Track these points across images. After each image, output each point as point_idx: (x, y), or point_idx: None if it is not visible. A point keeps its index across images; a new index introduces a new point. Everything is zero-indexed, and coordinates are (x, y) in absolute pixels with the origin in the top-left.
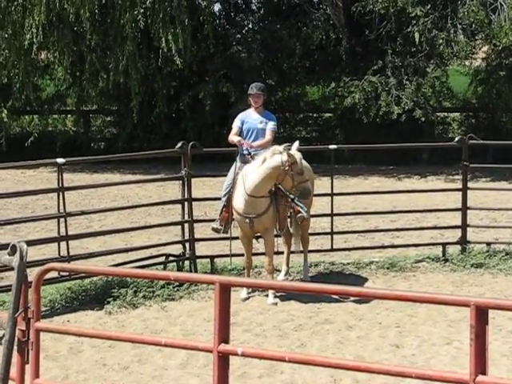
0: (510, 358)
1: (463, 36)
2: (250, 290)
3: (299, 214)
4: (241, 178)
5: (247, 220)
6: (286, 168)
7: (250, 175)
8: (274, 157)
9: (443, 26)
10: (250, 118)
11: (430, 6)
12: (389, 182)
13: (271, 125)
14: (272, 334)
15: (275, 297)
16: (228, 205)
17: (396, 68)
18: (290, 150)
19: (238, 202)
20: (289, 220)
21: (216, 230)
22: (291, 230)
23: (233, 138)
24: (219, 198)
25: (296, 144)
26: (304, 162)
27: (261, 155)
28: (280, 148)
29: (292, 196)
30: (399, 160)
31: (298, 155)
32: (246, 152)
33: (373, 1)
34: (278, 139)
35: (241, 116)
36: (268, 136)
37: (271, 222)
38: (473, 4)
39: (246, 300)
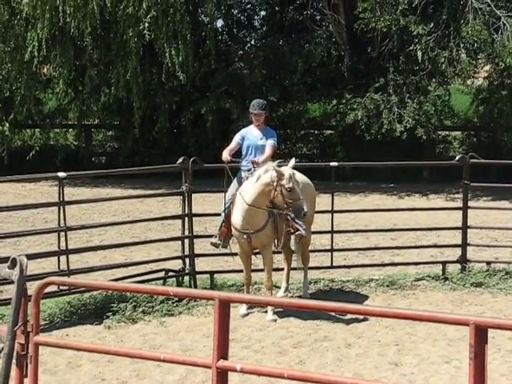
0: (508, 377)
1: (466, 55)
2: (249, 306)
3: (297, 232)
4: (239, 194)
5: (245, 236)
6: (275, 184)
7: (247, 192)
8: (266, 173)
9: (446, 45)
10: (251, 134)
11: (432, 24)
12: (389, 199)
13: (271, 140)
14: (271, 351)
15: (274, 313)
16: (227, 220)
17: (398, 86)
18: (281, 166)
19: (236, 218)
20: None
21: (215, 245)
22: (292, 247)
23: (224, 153)
24: (219, 214)
25: (292, 161)
26: (305, 179)
27: (257, 172)
28: (273, 164)
29: (287, 214)
30: (400, 178)
31: (287, 172)
32: (246, 168)
33: (375, 19)
34: (278, 156)
35: (242, 132)
36: (268, 151)
37: (269, 239)
38: (476, 23)
39: (245, 316)
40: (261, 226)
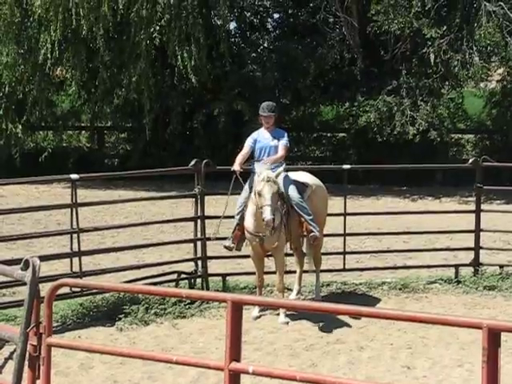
0: None
1: (479, 58)
2: (261, 308)
3: (311, 234)
4: (251, 197)
5: (257, 239)
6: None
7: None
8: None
9: (459, 48)
10: (262, 137)
11: (445, 27)
12: (402, 202)
13: (284, 140)
14: (283, 353)
15: (286, 316)
16: (241, 223)
17: (411, 89)
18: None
19: (248, 221)
20: (302, 239)
21: (228, 248)
22: (304, 249)
23: (235, 163)
24: (232, 216)
25: (280, 169)
26: (317, 181)
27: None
28: (265, 166)
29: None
30: (413, 181)
31: (262, 175)
32: (258, 171)
33: (388, 21)
34: (291, 158)
35: (253, 135)
36: (281, 151)
37: (281, 241)
38: (489, 26)
39: (257, 318)
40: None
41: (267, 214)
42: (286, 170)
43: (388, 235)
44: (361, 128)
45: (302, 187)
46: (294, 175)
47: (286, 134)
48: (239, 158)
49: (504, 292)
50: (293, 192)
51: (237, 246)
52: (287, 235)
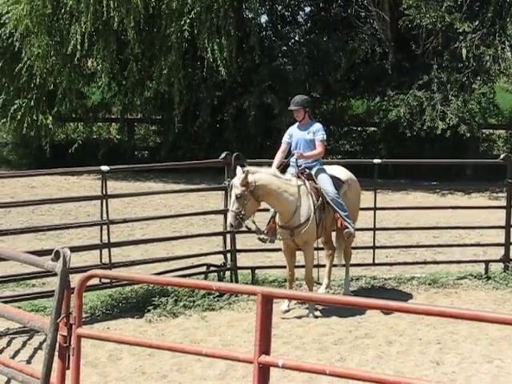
0: None
1: (511, 53)
2: (290, 302)
3: (346, 230)
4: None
5: (287, 232)
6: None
7: None
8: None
9: (491, 43)
10: (297, 131)
11: (478, 22)
12: (432, 197)
13: (320, 136)
14: (312, 347)
15: (315, 310)
16: (275, 216)
17: (442, 83)
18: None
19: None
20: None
21: (262, 241)
22: (335, 244)
23: (274, 163)
24: (267, 209)
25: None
26: (350, 175)
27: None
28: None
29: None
30: (443, 176)
31: (237, 177)
32: (294, 163)
33: (420, 16)
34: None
35: (289, 130)
36: (318, 148)
37: (310, 235)
38: None
39: (286, 312)
40: (301, 222)
41: (229, 219)
42: (322, 164)
43: (418, 230)
44: (391, 122)
45: (338, 183)
46: (328, 169)
47: (321, 128)
48: (277, 159)
49: None
50: (329, 187)
51: (270, 239)
52: (322, 230)
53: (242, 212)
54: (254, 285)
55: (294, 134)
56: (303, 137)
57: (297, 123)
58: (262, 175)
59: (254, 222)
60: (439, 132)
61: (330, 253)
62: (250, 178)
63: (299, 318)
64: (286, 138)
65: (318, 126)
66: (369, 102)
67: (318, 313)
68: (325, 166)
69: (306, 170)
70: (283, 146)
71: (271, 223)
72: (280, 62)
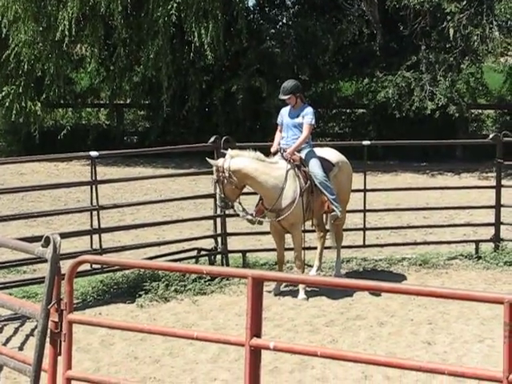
0: None
1: (498, 33)
2: (281, 284)
3: (333, 213)
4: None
5: (273, 214)
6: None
7: None
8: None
9: (478, 23)
10: (288, 113)
11: (465, 2)
12: (421, 178)
13: (308, 119)
14: (303, 329)
15: (306, 292)
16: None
17: (430, 64)
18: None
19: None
20: (324, 216)
21: (251, 222)
22: (327, 226)
23: (274, 143)
24: (251, 193)
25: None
26: (342, 158)
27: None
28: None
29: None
30: (432, 156)
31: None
32: (284, 147)
33: None
34: (311, 134)
35: (282, 111)
36: (305, 131)
37: (296, 218)
38: (509, 0)
39: (277, 295)
40: (287, 204)
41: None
42: (312, 146)
43: (408, 211)
44: (380, 104)
45: (328, 165)
46: (319, 151)
47: (311, 112)
48: (276, 139)
49: None
50: (317, 170)
51: (259, 221)
52: (309, 213)
53: (222, 195)
54: (245, 268)
55: (284, 117)
56: (292, 121)
57: (289, 106)
58: (238, 159)
59: (240, 204)
60: (428, 112)
61: (322, 235)
62: (226, 163)
63: (290, 300)
64: (279, 119)
65: (308, 109)
66: (357, 84)
67: (307, 295)
68: (316, 149)
69: (296, 154)
70: (280, 127)
71: (260, 205)
72: (268, 45)
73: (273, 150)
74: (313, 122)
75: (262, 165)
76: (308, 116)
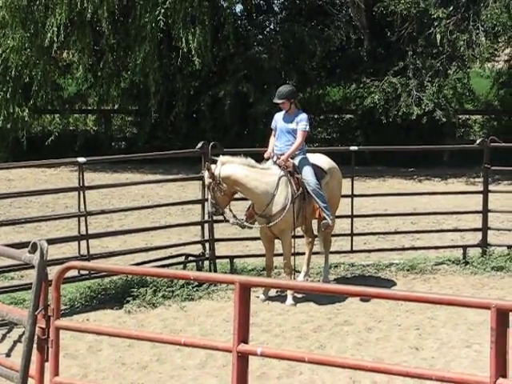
0: None
1: (485, 38)
2: (269, 290)
3: (324, 221)
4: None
5: (263, 220)
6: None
7: None
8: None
9: (465, 28)
10: (282, 119)
11: (452, 7)
12: (409, 183)
13: (302, 125)
14: (291, 335)
15: (294, 298)
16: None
17: (417, 69)
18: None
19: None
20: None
21: (241, 226)
22: (315, 232)
23: (268, 148)
24: (240, 199)
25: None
26: (332, 163)
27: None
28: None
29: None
30: (420, 162)
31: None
32: (278, 153)
33: (395, 2)
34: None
35: (275, 117)
36: (299, 138)
37: (287, 224)
38: (495, 6)
39: (265, 301)
40: (277, 210)
41: (208, 207)
42: (305, 153)
43: (395, 216)
44: (367, 109)
45: (320, 173)
46: (311, 158)
47: (305, 118)
48: (270, 144)
49: None
50: (310, 177)
51: (248, 226)
52: (301, 219)
53: (213, 201)
54: (233, 274)
55: (278, 123)
56: (286, 126)
57: (284, 111)
58: (228, 166)
59: (230, 210)
60: (415, 118)
61: (310, 240)
62: (216, 170)
63: (278, 306)
64: (273, 124)
65: (302, 116)
66: (345, 90)
67: (295, 301)
68: (308, 155)
69: (289, 160)
70: (274, 132)
71: (251, 209)
72: (255, 50)
73: (266, 155)
74: (307, 128)
75: (253, 171)
76: (302, 122)
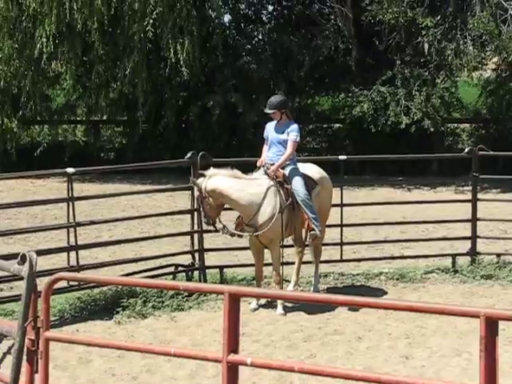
0: None
1: (473, 47)
2: (259, 300)
3: (312, 232)
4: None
5: (251, 229)
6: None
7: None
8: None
9: (453, 37)
10: (273, 129)
11: (439, 16)
12: (398, 192)
13: (292, 136)
14: (281, 345)
15: (284, 307)
16: None
17: (405, 78)
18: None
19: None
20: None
21: (231, 235)
22: (306, 242)
23: (261, 158)
24: (229, 208)
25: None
26: (323, 173)
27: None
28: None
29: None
30: (409, 171)
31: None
32: (269, 163)
33: (382, 11)
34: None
35: (267, 126)
36: (289, 149)
37: (275, 234)
38: (483, 15)
39: (255, 310)
40: (264, 220)
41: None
42: (296, 163)
43: (385, 225)
44: (356, 118)
45: (311, 183)
46: (302, 167)
47: (296, 129)
48: (264, 153)
49: (501, 281)
50: (300, 188)
51: (238, 234)
52: (290, 229)
53: (203, 213)
54: (223, 284)
55: (269, 132)
56: (277, 137)
57: (275, 121)
58: (214, 179)
59: (220, 221)
60: (403, 127)
61: (300, 250)
62: (203, 184)
63: (268, 316)
64: (265, 133)
65: (293, 126)
66: (333, 99)
67: (285, 311)
68: (299, 164)
69: (280, 170)
70: (266, 141)
71: (240, 219)
72: (244, 60)
73: (259, 163)
74: (297, 139)
75: (238, 182)
76: (293, 133)
